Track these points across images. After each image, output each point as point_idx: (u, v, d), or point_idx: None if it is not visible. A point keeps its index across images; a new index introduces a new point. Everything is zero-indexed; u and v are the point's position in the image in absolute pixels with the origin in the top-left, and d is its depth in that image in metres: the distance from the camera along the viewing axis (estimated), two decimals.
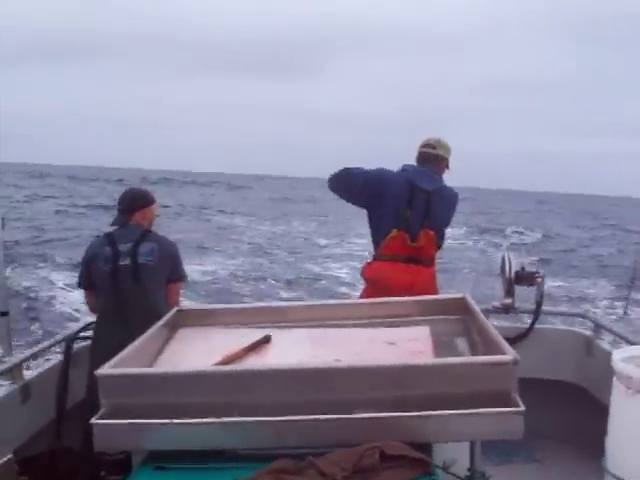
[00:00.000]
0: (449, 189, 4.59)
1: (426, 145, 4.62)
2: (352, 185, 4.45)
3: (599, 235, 37.84)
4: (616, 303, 13.90)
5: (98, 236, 4.15)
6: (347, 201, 4.59)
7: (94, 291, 4.04)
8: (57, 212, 33.24)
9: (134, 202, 4.13)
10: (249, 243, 25.67)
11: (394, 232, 4.38)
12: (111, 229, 4.09)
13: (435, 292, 4.39)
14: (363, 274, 4.60)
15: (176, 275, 4.11)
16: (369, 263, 4.61)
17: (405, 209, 4.37)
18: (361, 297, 4.57)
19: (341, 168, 4.45)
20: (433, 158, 4.57)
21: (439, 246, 4.61)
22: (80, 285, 4.14)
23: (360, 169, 4.46)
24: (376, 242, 4.54)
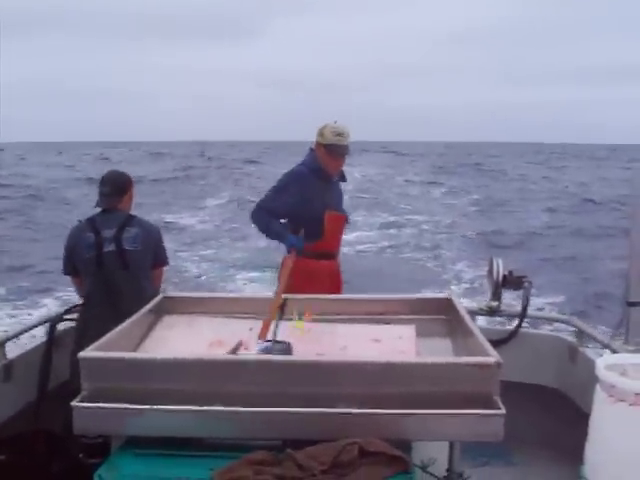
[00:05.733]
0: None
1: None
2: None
3: None
4: None
5: (80, 221, 4.03)
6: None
7: (79, 277, 4.00)
8: None
9: (124, 185, 4.05)
10: None
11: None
12: (92, 214, 4.01)
13: None
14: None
15: (159, 260, 4.08)
16: None
17: None
18: None
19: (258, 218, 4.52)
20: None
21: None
22: (65, 273, 4.09)
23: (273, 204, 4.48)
24: None
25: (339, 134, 4.33)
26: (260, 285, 13.85)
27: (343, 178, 4.69)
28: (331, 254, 4.45)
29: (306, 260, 4.28)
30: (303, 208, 4.34)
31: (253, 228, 4.64)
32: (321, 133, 4.40)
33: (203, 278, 15.41)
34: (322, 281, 4.30)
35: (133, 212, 4.09)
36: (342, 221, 4.49)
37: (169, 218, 24.06)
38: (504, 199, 30.57)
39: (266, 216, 4.43)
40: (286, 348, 2.82)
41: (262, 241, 21.09)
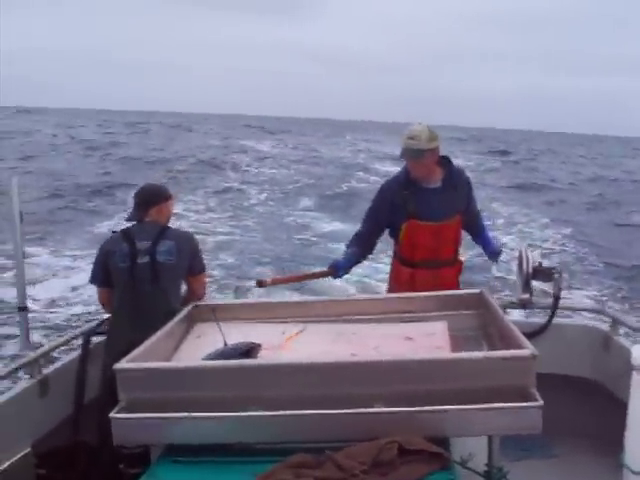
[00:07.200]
0: None
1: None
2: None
3: None
4: None
5: (114, 232, 4.10)
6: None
7: (108, 288, 4.01)
8: None
9: (150, 197, 4.06)
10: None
11: None
12: (127, 225, 4.06)
13: None
14: None
15: (197, 268, 4.06)
16: None
17: None
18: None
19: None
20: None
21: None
22: (93, 282, 4.10)
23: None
24: None
25: (411, 137, 4.07)
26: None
27: (448, 185, 4.26)
28: (410, 262, 4.34)
29: (397, 263, 4.36)
30: (389, 217, 4.24)
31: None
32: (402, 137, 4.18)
33: (257, 208, 20.40)
34: (401, 285, 4.27)
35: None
36: (428, 230, 4.18)
37: (249, 143, 42.77)
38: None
39: (348, 246, 4.34)
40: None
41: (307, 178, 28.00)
